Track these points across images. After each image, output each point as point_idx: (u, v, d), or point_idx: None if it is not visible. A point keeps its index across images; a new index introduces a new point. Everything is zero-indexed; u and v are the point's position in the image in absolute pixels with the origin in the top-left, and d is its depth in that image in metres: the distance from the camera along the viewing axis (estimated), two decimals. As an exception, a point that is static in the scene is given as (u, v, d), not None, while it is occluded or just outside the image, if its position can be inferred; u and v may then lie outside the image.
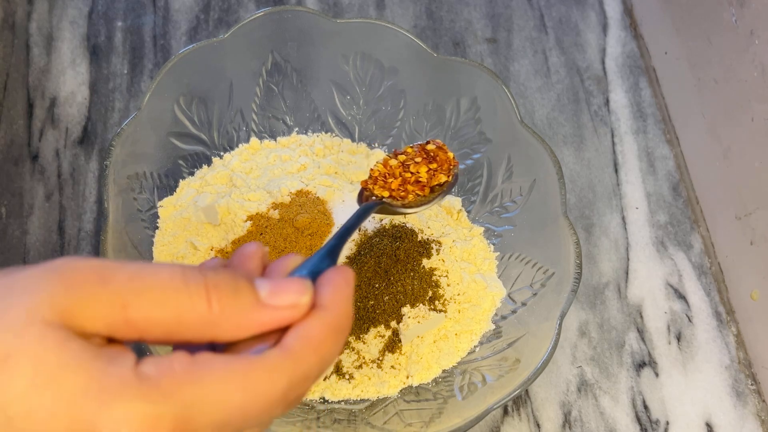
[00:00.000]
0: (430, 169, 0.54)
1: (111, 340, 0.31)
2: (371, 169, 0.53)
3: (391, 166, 0.53)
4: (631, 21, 0.80)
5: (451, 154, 0.55)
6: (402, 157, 0.54)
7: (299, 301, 0.33)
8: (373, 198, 0.53)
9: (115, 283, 0.30)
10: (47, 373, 0.28)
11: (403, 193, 0.53)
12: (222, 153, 0.65)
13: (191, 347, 0.32)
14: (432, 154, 0.54)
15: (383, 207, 0.53)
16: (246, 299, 0.32)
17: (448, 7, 0.79)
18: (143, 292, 0.30)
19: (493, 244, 0.63)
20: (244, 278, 0.32)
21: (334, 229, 0.59)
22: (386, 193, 0.53)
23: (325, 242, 0.40)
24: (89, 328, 0.30)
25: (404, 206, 0.53)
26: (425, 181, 0.53)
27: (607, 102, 0.75)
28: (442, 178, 0.54)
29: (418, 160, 0.54)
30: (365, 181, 0.53)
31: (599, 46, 0.78)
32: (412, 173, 0.53)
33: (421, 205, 0.54)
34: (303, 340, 0.32)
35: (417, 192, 0.53)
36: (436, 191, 0.54)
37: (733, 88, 0.64)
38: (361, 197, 0.54)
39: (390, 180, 0.53)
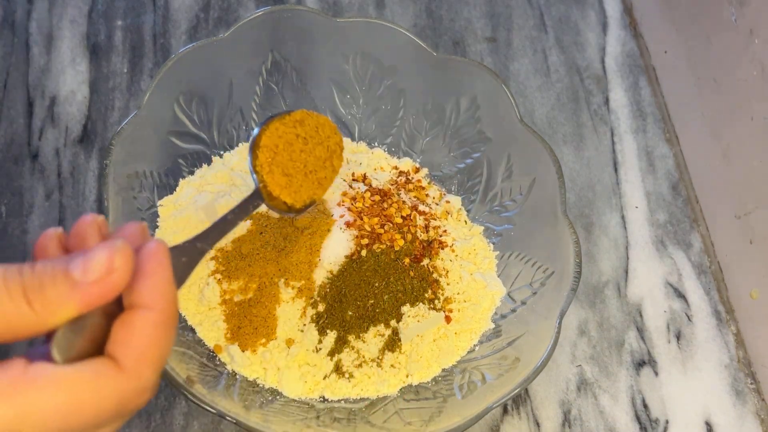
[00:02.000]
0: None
1: None
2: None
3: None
4: (630, 20, 0.80)
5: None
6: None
7: (113, 266, 0.32)
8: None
9: None
10: None
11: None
12: (222, 152, 0.65)
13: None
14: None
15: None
16: (62, 287, 0.32)
17: (447, 6, 0.79)
18: None
19: (493, 243, 0.63)
20: (59, 266, 0.32)
21: (335, 228, 0.59)
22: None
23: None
24: None
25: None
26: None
27: (606, 101, 0.75)
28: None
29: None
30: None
31: (599, 45, 0.78)
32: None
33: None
34: (135, 356, 0.33)
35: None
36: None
37: (732, 88, 0.64)
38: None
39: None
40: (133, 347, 0.33)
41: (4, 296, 0.31)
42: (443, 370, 0.57)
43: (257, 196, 0.49)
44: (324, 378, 0.56)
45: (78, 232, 0.35)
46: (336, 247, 0.59)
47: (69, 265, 0.32)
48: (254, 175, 0.50)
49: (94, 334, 0.33)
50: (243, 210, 0.47)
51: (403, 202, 0.62)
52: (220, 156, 0.64)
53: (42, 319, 0.31)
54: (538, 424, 0.60)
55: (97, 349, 0.33)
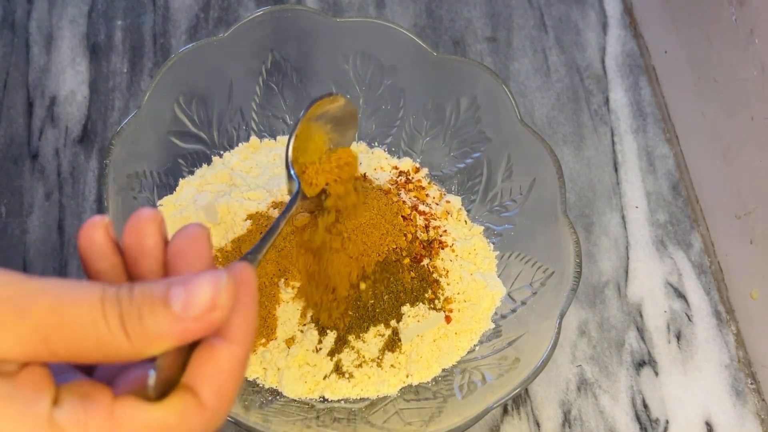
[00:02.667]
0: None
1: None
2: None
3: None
4: (630, 20, 0.80)
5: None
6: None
7: (217, 304, 0.30)
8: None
9: (35, 315, 0.29)
10: None
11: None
12: (222, 152, 0.65)
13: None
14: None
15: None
16: (162, 320, 0.30)
17: (447, 6, 0.79)
18: (64, 326, 0.29)
19: (493, 243, 0.63)
20: (158, 293, 0.30)
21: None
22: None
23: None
24: (4, 355, 0.29)
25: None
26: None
27: (606, 101, 0.75)
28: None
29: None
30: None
31: (599, 45, 0.78)
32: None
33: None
34: (218, 392, 0.31)
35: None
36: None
37: (732, 87, 0.64)
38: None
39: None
40: (216, 383, 0.31)
41: (101, 323, 0.29)
42: (443, 370, 0.57)
43: (299, 196, 0.49)
44: (324, 378, 0.56)
45: (136, 229, 0.33)
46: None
47: (169, 294, 0.30)
48: (291, 169, 0.50)
49: (173, 360, 0.32)
50: (286, 215, 0.47)
51: (403, 202, 0.62)
52: (220, 156, 0.64)
53: (137, 350, 0.30)
54: (538, 425, 0.60)
55: (173, 371, 0.32)
